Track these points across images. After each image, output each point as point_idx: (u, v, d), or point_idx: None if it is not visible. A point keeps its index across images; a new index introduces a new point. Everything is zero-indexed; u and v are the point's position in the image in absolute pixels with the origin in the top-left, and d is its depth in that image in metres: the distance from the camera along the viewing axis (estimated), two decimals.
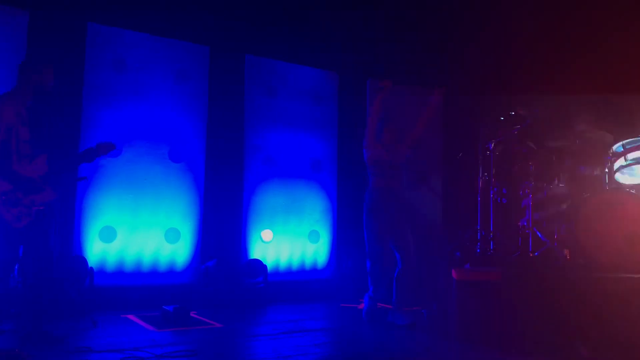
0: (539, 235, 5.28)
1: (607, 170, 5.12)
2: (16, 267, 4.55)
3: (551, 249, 5.07)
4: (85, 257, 5.15)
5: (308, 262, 6.56)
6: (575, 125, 5.83)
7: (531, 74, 6.88)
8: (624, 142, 5.11)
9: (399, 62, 7.12)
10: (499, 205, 5.82)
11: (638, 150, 5.02)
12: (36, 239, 3.70)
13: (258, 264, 5.96)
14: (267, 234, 6.28)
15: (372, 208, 4.94)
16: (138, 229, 5.52)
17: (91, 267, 5.09)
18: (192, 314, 4.83)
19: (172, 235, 5.69)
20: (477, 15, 6.75)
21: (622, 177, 5.16)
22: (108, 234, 5.37)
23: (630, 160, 5.03)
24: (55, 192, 3.80)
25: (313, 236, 6.60)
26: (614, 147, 5.17)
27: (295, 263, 6.46)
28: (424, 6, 6.66)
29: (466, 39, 6.94)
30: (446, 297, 4.70)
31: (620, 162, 5.11)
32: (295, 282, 6.34)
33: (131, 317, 4.83)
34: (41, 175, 3.72)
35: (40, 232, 3.71)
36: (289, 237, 6.44)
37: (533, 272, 4.48)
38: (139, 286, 5.44)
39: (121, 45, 5.62)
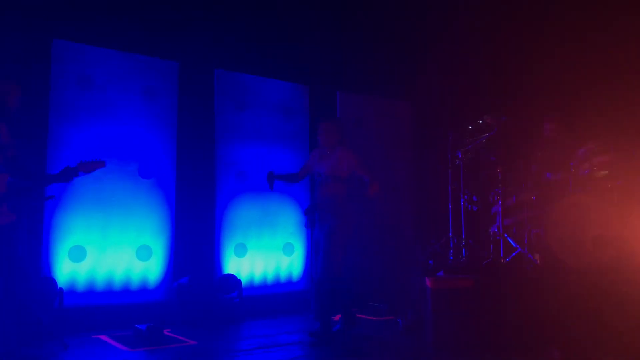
0: (510, 241, 5.37)
1: (571, 174, 5.25)
2: None
3: (522, 254, 5.16)
4: (55, 278, 5.02)
5: (283, 275, 6.53)
6: (541, 131, 5.96)
7: (498, 83, 7.05)
8: (588, 146, 5.25)
9: (368, 73, 7.22)
10: (470, 212, 5.91)
11: (602, 154, 5.16)
12: (30, 259, 3.62)
13: (232, 279, 5.90)
14: None
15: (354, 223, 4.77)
16: (108, 247, 5.42)
17: (60, 288, 4.96)
18: (166, 332, 4.76)
19: (143, 252, 5.60)
20: (444, 27, 6.90)
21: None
22: (77, 254, 5.26)
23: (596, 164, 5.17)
24: (14, 214, 3.69)
25: (287, 249, 6.58)
26: (579, 152, 5.30)
27: (270, 276, 6.43)
28: (392, 18, 6.77)
29: (433, 50, 7.07)
30: (421, 306, 4.73)
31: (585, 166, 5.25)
32: (270, 295, 6.30)
33: (103, 337, 4.73)
34: None
35: (3, 255, 3.61)
36: (263, 251, 6.40)
37: (505, 277, 4.55)
38: (111, 305, 5.33)
39: (88, 61, 5.55)
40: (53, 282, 4.94)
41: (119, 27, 5.60)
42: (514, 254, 5.24)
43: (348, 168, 4.72)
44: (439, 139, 6.75)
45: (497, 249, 5.52)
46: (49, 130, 5.27)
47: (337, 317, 4.83)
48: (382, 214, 7.23)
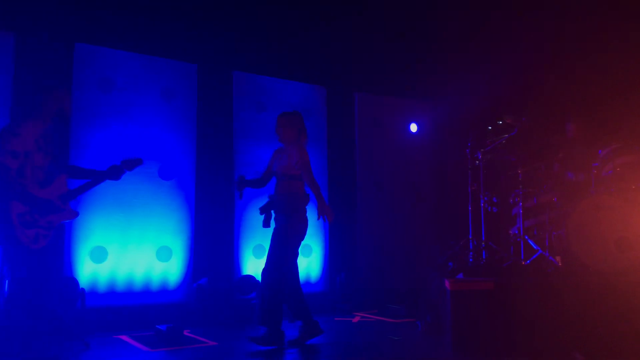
0: (531, 243, 5.30)
1: (594, 175, 5.17)
2: (5, 289, 4.51)
3: (543, 257, 5.09)
4: (76, 278, 5.09)
5: (301, 276, 6.51)
6: (562, 132, 5.88)
7: (518, 82, 6.97)
8: (612, 147, 5.16)
9: (386, 74, 7.19)
10: (490, 214, 5.85)
11: (625, 155, 5.07)
12: (54, 260, 3.70)
13: (251, 280, 5.92)
14: None
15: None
16: (129, 248, 5.49)
17: (82, 288, 5.04)
18: (185, 333, 4.79)
19: (163, 253, 5.65)
20: (463, 25, 6.84)
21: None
22: (99, 254, 5.33)
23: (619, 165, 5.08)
24: (77, 212, 3.82)
25: (305, 250, 6.58)
26: (601, 153, 5.22)
27: None
28: (411, 17, 6.74)
29: (452, 49, 7.02)
30: (440, 308, 4.70)
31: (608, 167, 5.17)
32: None
33: (124, 337, 4.77)
34: (59, 195, 3.71)
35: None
36: None
37: (526, 280, 4.50)
38: (131, 306, 5.39)
39: (109, 64, 5.62)
40: (75, 282, 5.01)
41: (139, 30, 5.67)
42: (534, 256, 5.18)
43: (298, 166, 4.39)
44: (458, 139, 6.69)
45: (518, 251, 5.46)
46: (70, 131, 5.34)
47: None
48: (400, 215, 7.21)
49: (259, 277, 5.99)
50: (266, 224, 4.43)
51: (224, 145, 6.22)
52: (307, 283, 6.54)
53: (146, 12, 5.66)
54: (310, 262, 6.60)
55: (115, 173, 3.99)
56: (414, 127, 7.35)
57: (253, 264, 6.18)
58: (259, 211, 4.48)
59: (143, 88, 5.75)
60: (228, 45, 6.22)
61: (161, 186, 5.72)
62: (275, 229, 4.43)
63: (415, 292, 5.88)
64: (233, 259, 6.10)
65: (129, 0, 5.55)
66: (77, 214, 3.86)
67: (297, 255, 4.47)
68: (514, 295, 4.24)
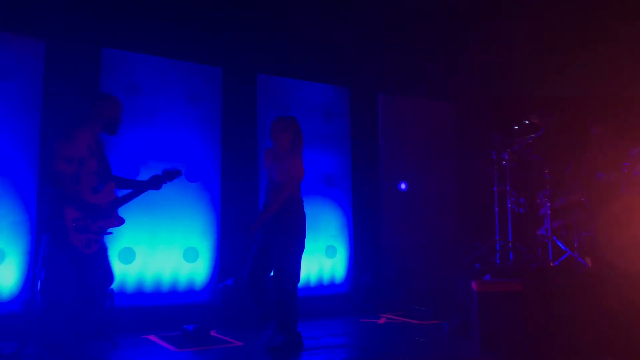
0: (559, 243, 5.22)
1: (624, 175, 5.07)
2: (38, 288, 4.61)
3: (572, 258, 5.01)
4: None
5: (326, 277, 6.55)
6: (591, 131, 5.78)
7: (544, 81, 6.88)
8: None
9: (410, 74, 7.16)
10: (517, 215, 5.78)
11: None
12: (103, 264, 3.79)
13: None
14: None
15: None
16: (157, 249, 5.56)
17: (111, 289, 5.10)
18: (212, 333, 4.83)
19: (190, 254, 5.72)
20: (486, 24, 6.78)
21: None
22: (127, 255, 5.42)
23: None
24: (123, 218, 3.87)
25: (330, 251, 6.59)
26: (632, 152, 5.12)
27: (313, 279, 6.45)
28: (433, 17, 6.70)
29: (476, 49, 6.96)
30: (467, 310, 4.66)
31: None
32: (313, 297, 6.32)
33: (152, 337, 4.84)
34: (109, 202, 3.81)
35: (106, 258, 3.81)
36: (305, 253, 6.39)
37: (555, 281, 4.43)
38: (159, 306, 5.46)
39: (135, 69, 5.71)
40: None
41: (164, 34, 5.74)
42: (563, 257, 5.10)
43: (285, 176, 4.20)
44: (483, 139, 6.63)
45: (546, 252, 5.38)
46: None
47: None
48: (425, 216, 7.17)
49: None
50: (254, 230, 4.23)
51: (248, 147, 6.26)
52: (332, 284, 6.56)
53: (171, 17, 5.74)
54: (334, 263, 6.61)
55: (156, 183, 4.05)
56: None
57: None
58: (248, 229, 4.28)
59: (169, 92, 5.83)
60: (252, 48, 6.27)
61: (187, 188, 5.79)
62: (277, 243, 4.22)
63: (441, 294, 5.85)
64: None
65: (154, 5, 5.63)
66: (123, 221, 3.91)
67: (300, 263, 4.30)
68: (542, 297, 4.18)
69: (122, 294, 5.32)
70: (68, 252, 3.62)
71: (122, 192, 4.06)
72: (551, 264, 5.10)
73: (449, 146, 7.58)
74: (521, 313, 4.12)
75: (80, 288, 3.70)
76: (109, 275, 3.85)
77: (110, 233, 3.81)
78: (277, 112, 6.49)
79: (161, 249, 5.58)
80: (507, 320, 4.12)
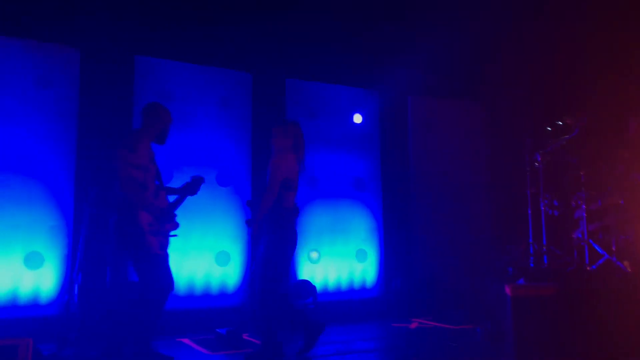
0: (596, 247, 5.11)
1: None
2: (75, 292, 4.73)
3: (610, 262, 4.89)
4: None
5: (357, 282, 6.53)
6: (626, 131, 5.65)
7: (577, 80, 6.75)
8: None
9: (439, 76, 7.10)
10: (551, 217, 5.67)
11: None
12: (169, 267, 3.90)
13: (307, 285, 5.97)
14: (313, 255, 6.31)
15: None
16: (189, 253, 5.63)
17: None
18: (244, 336, 4.87)
19: (222, 258, 5.78)
20: (517, 24, 6.68)
21: None
22: None
23: None
24: (178, 223, 3.97)
25: (360, 255, 6.58)
26: None
27: (344, 283, 6.45)
28: (462, 18, 6.64)
29: (506, 49, 6.87)
30: (500, 314, 4.59)
31: None
32: (344, 301, 6.32)
33: (185, 340, 4.91)
34: (167, 206, 3.94)
35: (169, 262, 3.91)
36: (336, 257, 6.44)
37: (592, 285, 4.33)
38: (192, 309, 5.53)
39: (167, 76, 5.82)
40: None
41: (196, 42, 5.84)
42: (600, 261, 4.99)
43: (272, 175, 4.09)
44: (514, 141, 6.54)
45: (582, 256, 5.27)
46: None
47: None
48: (457, 219, 7.09)
49: (314, 282, 6.06)
50: (254, 237, 4.20)
51: None
52: (363, 289, 6.54)
53: (202, 24, 5.82)
54: (365, 267, 6.59)
55: (192, 189, 4.14)
56: (358, 118, 6.77)
57: (308, 269, 6.23)
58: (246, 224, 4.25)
59: (200, 97, 5.92)
60: (281, 53, 6.31)
61: (219, 192, 5.86)
62: (262, 244, 4.12)
63: (473, 298, 5.78)
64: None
65: (185, 13, 5.72)
66: (179, 225, 3.99)
67: (284, 271, 4.15)
68: (579, 301, 4.09)
69: None
70: (148, 255, 3.73)
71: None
72: (588, 268, 4.99)
73: (480, 148, 7.49)
74: (557, 318, 4.04)
75: (153, 290, 3.78)
76: (172, 278, 3.93)
77: (175, 235, 3.92)
78: (306, 116, 6.54)
79: (193, 253, 5.65)
80: (542, 326, 4.04)
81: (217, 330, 4.81)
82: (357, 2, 6.08)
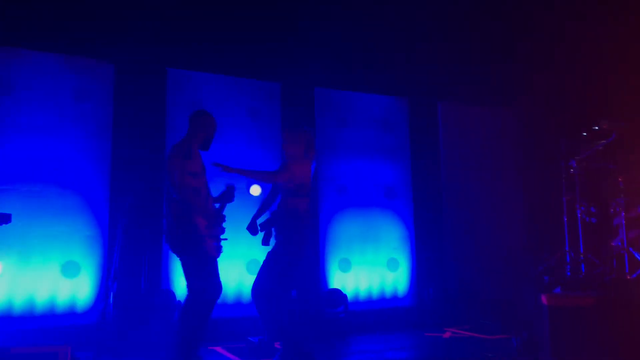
0: (636, 255, 4.95)
1: None
2: (111, 300, 4.82)
3: None
4: (174, 291, 5.34)
5: (388, 290, 6.48)
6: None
7: (613, 83, 6.59)
8: None
9: (470, 82, 7.02)
10: (588, 225, 5.53)
11: None
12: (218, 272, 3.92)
13: (338, 294, 5.95)
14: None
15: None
16: (222, 261, 5.66)
17: (179, 300, 5.27)
18: (276, 345, 4.87)
19: (253, 266, 5.80)
20: (550, 26, 6.57)
21: None
22: None
23: None
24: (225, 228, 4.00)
25: (392, 264, 6.52)
26: None
27: (375, 292, 6.40)
28: (493, 22, 6.57)
29: (539, 53, 6.77)
30: (536, 324, 4.48)
31: None
32: (376, 310, 6.27)
33: (218, 349, 4.94)
34: (215, 211, 3.98)
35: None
36: (367, 266, 6.40)
37: (631, 295, 4.19)
38: (224, 318, 5.55)
39: (198, 87, 5.92)
40: (172, 295, 5.26)
41: (226, 53, 5.92)
42: None
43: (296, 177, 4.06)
44: (549, 147, 6.41)
45: (621, 265, 5.11)
46: (165, 152, 5.64)
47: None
48: (490, 226, 6.98)
49: (345, 291, 6.03)
50: (265, 242, 4.20)
51: None
52: (394, 297, 6.48)
53: (231, 36, 5.90)
54: (397, 276, 6.53)
55: (229, 196, 4.14)
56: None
57: (339, 278, 6.21)
58: (259, 227, 4.23)
59: (231, 108, 5.99)
60: (310, 62, 6.33)
61: (250, 200, 5.89)
62: (272, 248, 4.14)
63: (508, 307, 5.66)
64: (319, 272, 6.16)
65: (215, 26, 5.81)
66: (225, 230, 4.03)
67: (292, 280, 4.09)
68: (619, 311, 3.97)
69: None
70: (205, 259, 3.79)
71: None
72: (628, 277, 4.83)
73: (513, 154, 7.37)
74: (595, 329, 3.93)
75: (207, 294, 3.81)
76: (221, 284, 3.95)
77: (226, 239, 3.96)
78: (335, 124, 6.55)
79: (226, 261, 5.66)
80: (580, 336, 3.94)
81: (249, 338, 4.83)
82: (385, 10, 6.10)
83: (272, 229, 4.14)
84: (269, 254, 4.17)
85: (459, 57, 6.79)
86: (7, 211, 3.87)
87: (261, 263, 5.70)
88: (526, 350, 4.57)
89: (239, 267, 5.75)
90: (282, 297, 4.00)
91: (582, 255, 5.39)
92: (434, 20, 6.48)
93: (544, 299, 4.10)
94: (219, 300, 5.55)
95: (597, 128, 5.37)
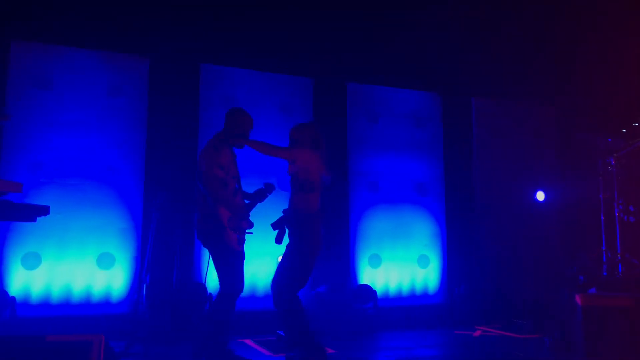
0: None
1: None
2: (144, 291, 4.93)
3: None
4: (205, 284, 5.42)
5: (418, 287, 6.43)
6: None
7: None
8: None
9: (505, 77, 6.89)
10: (626, 224, 5.37)
11: None
12: (242, 265, 3.97)
13: (368, 290, 5.93)
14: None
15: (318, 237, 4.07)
16: (251, 255, 5.72)
17: (210, 293, 5.34)
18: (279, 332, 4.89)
19: None
20: (590, 21, 6.39)
21: None
22: None
23: None
24: (252, 223, 4.03)
25: (422, 261, 6.48)
26: None
27: (405, 288, 6.37)
28: (530, 16, 6.42)
29: (578, 48, 6.59)
30: (570, 325, 4.38)
31: None
32: (405, 307, 6.23)
33: (248, 341, 5.00)
34: (243, 205, 4.06)
35: (243, 258, 4.00)
36: (397, 262, 6.37)
37: None
38: (254, 311, 5.61)
39: (231, 82, 5.98)
40: (204, 287, 5.34)
41: (258, 49, 5.95)
42: None
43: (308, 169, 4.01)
44: (586, 144, 6.24)
45: None
46: (198, 147, 5.72)
47: None
48: (524, 223, 6.85)
49: (374, 287, 6.02)
50: (278, 241, 4.12)
51: (338, 156, 6.31)
52: (425, 295, 6.43)
53: (264, 32, 5.93)
54: (427, 273, 6.48)
55: (262, 195, 4.21)
56: (540, 196, 6.78)
57: (369, 274, 6.20)
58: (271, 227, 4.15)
59: (263, 103, 6.02)
60: (342, 57, 6.32)
61: (280, 197, 5.91)
62: (287, 247, 4.07)
63: (541, 307, 5.55)
64: (349, 268, 6.16)
65: (247, 22, 5.84)
66: (253, 224, 4.06)
67: (304, 278, 4.00)
68: None
69: None
70: (228, 250, 3.83)
71: None
72: None
73: (548, 151, 7.20)
74: (632, 331, 3.82)
75: (229, 285, 3.84)
76: (243, 279, 3.97)
77: (251, 233, 4.01)
78: (367, 120, 6.52)
79: (256, 256, 5.73)
80: (615, 338, 3.84)
81: (278, 332, 4.86)
82: (417, 5, 6.03)
83: (285, 227, 4.09)
84: (285, 251, 4.17)
85: (494, 52, 6.66)
86: (46, 204, 3.99)
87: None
88: (558, 351, 4.48)
89: (269, 261, 5.80)
90: (293, 295, 3.96)
91: (619, 255, 5.24)
92: (468, 16, 6.37)
93: (578, 299, 4.01)
94: (249, 293, 5.67)
95: (637, 124, 5.21)
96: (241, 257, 3.97)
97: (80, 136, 5.38)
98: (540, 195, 6.60)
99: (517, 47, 6.71)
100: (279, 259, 4.19)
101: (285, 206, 4.10)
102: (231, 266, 3.86)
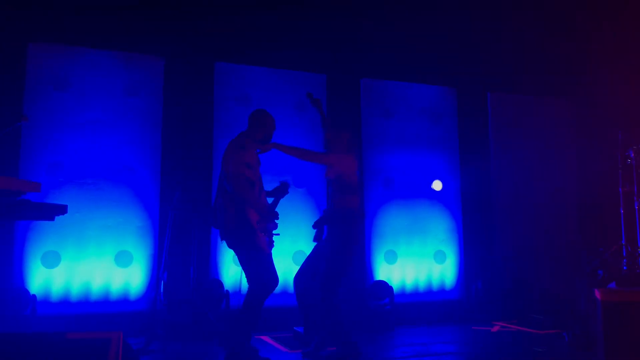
0: None
1: None
2: (162, 289, 4.98)
3: None
4: (222, 281, 5.46)
5: (435, 283, 6.40)
6: None
7: None
8: None
9: (521, 71, 6.81)
10: None
11: None
12: (273, 265, 3.94)
13: (384, 286, 5.93)
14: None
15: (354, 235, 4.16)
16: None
17: (227, 290, 5.38)
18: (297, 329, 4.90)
19: (299, 258, 5.86)
20: (607, 12, 6.28)
21: None
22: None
23: None
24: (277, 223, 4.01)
25: (439, 256, 6.44)
26: None
27: (422, 284, 6.34)
28: (545, 8, 6.33)
29: (596, 41, 6.49)
30: (589, 320, 4.33)
31: None
32: (422, 303, 6.21)
33: (265, 338, 5.02)
34: (269, 205, 4.03)
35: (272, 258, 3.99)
36: (413, 258, 6.35)
37: None
38: (271, 307, 5.62)
39: (245, 80, 5.99)
40: (221, 284, 5.38)
41: (272, 46, 5.96)
42: None
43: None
44: (605, 137, 6.15)
45: None
46: (213, 145, 5.76)
47: None
48: (542, 218, 6.78)
49: (391, 283, 6.01)
50: (317, 239, 4.22)
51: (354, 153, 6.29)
52: (442, 290, 6.40)
53: (277, 30, 5.94)
54: (444, 268, 6.45)
55: (282, 192, 4.19)
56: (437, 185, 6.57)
57: (385, 270, 6.19)
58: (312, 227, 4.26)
59: (277, 101, 6.03)
60: (356, 53, 6.30)
61: (295, 194, 5.93)
62: (323, 244, 4.17)
63: (560, 302, 5.50)
64: (365, 264, 6.15)
65: (261, 20, 5.85)
66: (277, 225, 4.02)
67: (340, 278, 4.05)
68: None
69: (237, 294, 5.55)
70: (258, 252, 3.79)
71: None
72: None
73: (566, 145, 7.12)
74: None
75: (258, 286, 3.80)
76: (277, 276, 3.94)
77: (278, 234, 3.97)
78: (381, 116, 6.50)
79: (273, 253, 5.75)
80: (635, 333, 3.78)
81: (295, 328, 4.88)
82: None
83: (324, 227, 4.17)
84: (318, 250, 4.20)
85: (510, 46, 6.59)
86: (65, 203, 4.04)
87: (307, 254, 5.75)
88: (578, 346, 4.44)
89: (285, 258, 5.82)
90: (330, 295, 4.00)
91: (639, 250, 5.16)
92: (483, 9, 6.30)
93: (598, 294, 3.95)
94: None
95: None
96: (270, 257, 3.91)
97: (97, 136, 5.44)
98: (437, 185, 6.44)
99: (533, 40, 6.63)
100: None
101: (299, 204, 4.12)
102: (263, 267, 3.81)
